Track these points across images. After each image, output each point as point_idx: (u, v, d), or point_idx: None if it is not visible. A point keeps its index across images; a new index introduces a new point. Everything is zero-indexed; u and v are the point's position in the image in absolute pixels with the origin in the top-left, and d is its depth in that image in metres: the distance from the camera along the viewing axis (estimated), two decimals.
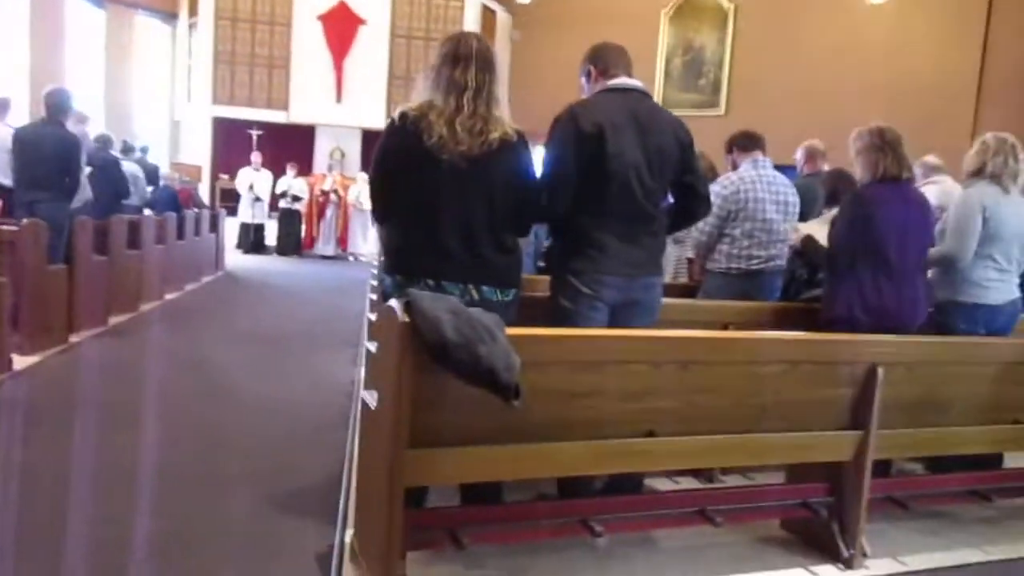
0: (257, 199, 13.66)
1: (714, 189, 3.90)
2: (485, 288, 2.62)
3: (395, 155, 2.63)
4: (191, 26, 18.03)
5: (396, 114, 2.65)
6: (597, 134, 2.76)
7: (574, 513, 2.66)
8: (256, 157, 13.95)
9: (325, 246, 14.15)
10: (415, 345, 2.12)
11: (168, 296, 8.50)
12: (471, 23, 18.63)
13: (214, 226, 10.87)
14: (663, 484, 3.54)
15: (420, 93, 2.66)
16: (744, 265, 4.06)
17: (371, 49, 18.14)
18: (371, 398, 2.43)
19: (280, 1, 17.69)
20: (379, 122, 18.37)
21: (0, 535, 2.76)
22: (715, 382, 2.63)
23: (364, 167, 17.36)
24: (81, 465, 3.57)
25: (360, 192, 14.04)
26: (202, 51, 17.65)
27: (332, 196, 14.01)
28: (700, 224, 3.79)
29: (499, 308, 2.52)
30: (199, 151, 17.83)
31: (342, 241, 14.30)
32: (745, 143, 4.24)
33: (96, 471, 3.50)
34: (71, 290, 6.04)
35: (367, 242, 14.48)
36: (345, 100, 18.03)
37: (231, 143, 17.69)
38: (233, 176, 15.62)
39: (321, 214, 14.14)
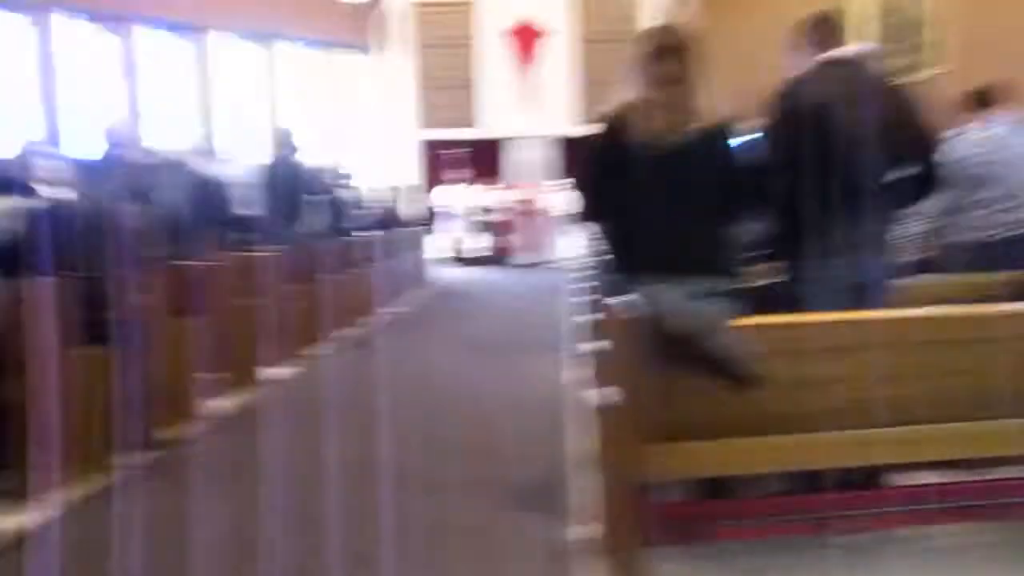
0: (458, 214, 14.30)
1: (949, 154, 3.59)
2: (704, 280, 2.59)
3: (601, 155, 2.67)
4: (391, 56, 19.23)
5: (598, 114, 2.68)
6: (817, 111, 2.65)
7: (822, 509, 2.55)
8: (456, 173, 14.62)
9: (525, 254, 14.54)
10: (651, 340, 2.14)
11: (391, 310, 9.11)
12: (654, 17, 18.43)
13: (421, 243, 11.52)
14: (908, 478, 3.30)
15: (621, 91, 2.68)
16: (988, 235, 3.70)
17: (556, 58, 18.41)
18: (605, 395, 2.47)
19: (466, 23, 18.44)
20: (568, 130, 18.66)
21: (266, 526, 3.07)
22: (970, 363, 2.42)
23: (557, 175, 17.68)
24: (325, 466, 3.88)
25: (555, 199, 14.30)
26: (405, 78, 18.77)
27: (529, 205, 14.38)
28: (936, 195, 3.51)
29: (720, 299, 2.48)
30: (407, 172, 18.97)
31: (540, 248, 14.62)
32: (982, 98, 3.88)
33: (338, 472, 3.79)
34: (311, 307, 6.66)
35: (563, 248, 14.71)
36: (534, 110, 18.45)
37: (434, 163, 18.66)
38: (438, 194, 16.49)
39: (519, 224, 14.54)
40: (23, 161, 4.13)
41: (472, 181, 14.78)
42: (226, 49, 17.80)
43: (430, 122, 18.71)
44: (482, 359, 6.60)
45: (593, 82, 18.56)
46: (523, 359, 6.54)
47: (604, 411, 2.47)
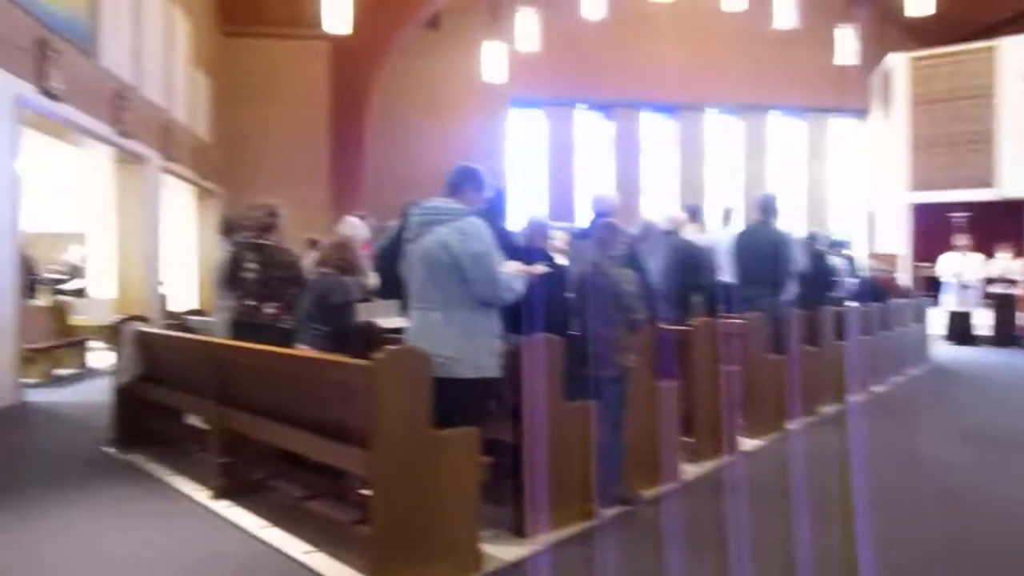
0: (964, 286, 12.53)
1: None
2: None
3: None
4: (884, 117, 18.00)
5: None
6: None
7: None
8: (961, 240, 12.88)
9: None
10: None
11: (873, 388, 8.31)
12: None
13: (920, 316, 10.33)
14: None
15: None
16: None
17: None
18: None
19: (981, 72, 16.34)
20: None
21: None
22: None
23: None
24: (798, 546, 3.63)
25: None
26: (897, 139, 17.40)
27: None
28: None
29: None
30: (896, 239, 17.43)
31: None
32: None
33: (811, 554, 3.51)
34: (782, 379, 6.39)
35: None
36: None
37: (929, 228, 16.79)
38: (933, 262, 14.75)
39: None
40: (528, 232, 4.74)
41: (987, 248, 12.84)
42: (715, 124, 18.66)
43: (928, 184, 16.93)
44: (995, 453, 5.57)
45: None
46: None
47: None
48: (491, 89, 16.61)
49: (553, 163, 18.34)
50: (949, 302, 12.83)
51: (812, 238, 8.14)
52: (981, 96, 16.37)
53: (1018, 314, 12.42)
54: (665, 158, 18.60)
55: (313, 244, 7.03)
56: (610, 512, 4.17)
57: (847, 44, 18.89)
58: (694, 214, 7.08)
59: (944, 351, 11.82)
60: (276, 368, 4.11)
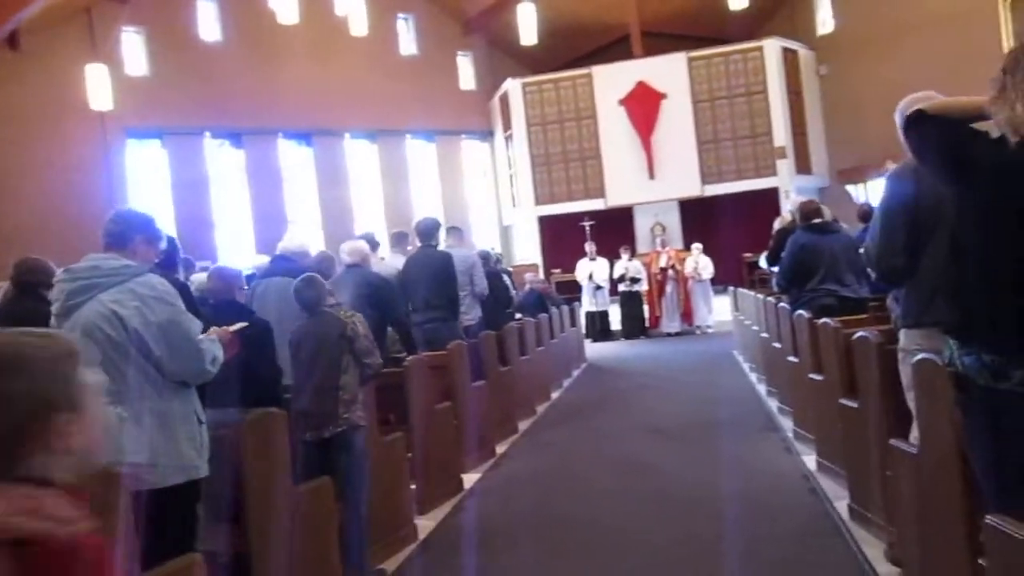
0: (598, 287, 13.84)
1: None
2: None
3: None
4: (507, 138, 19.38)
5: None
6: None
7: None
8: (591, 247, 14.23)
9: (670, 323, 13.87)
10: None
11: (554, 395, 8.65)
12: (773, 68, 17.87)
13: (573, 320, 11.09)
14: None
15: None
16: None
17: (675, 120, 18.07)
18: (1015, 528, 1.86)
19: (582, 96, 18.40)
20: (694, 190, 18.15)
21: None
22: None
23: (686, 239, 17.07)
24: None
25: (697, 263, 13.67)
26: (520, 158, 18.84)
27: (670, 272, 13.77)
28: None
29: None
30: (530, 249, 18.84)
31: (686, 316, 13.93)
32: None
33: None
34: (488, 404, 6.25)
35: (712, 313, 13.98)
36: (658, 175, 18.05)
37: (557, 237, 18.46)
38: (567, 269, 16.17)
39: (661, 292, 13.94)
40: (216, 284, 3.95)
41: (606, 252, 14.32)
42: (353, 149, 18.40)
43: (551, 198, 18.61)
44: (681, 444, 5.99)
45: (712, 141, 18.13)
46: (734, 443, 5.85)
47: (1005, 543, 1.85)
48: (98, 118, 14.44)
49: (257, 194, 16.61)
50: (587, 303, 14.07)
51: (486, 257, 8.20)
52: (585, 118, 18.43)
53: (643, 307, 14.04)
54: (304, 185, 17.86)
55: None
56: None
57: (467, 70, 20.08)
58: (373, 243, 6.62)
59: (590, 348, 12.90)
60: None
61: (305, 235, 5.04)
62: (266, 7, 14.13)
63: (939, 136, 2.19)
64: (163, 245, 3.10)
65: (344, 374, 3.66)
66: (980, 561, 2.30)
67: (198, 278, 4.76)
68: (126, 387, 2.74)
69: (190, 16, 15.37)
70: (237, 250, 15.32)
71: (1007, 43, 14.93)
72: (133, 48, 14.83)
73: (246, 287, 4.06)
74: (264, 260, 5.87)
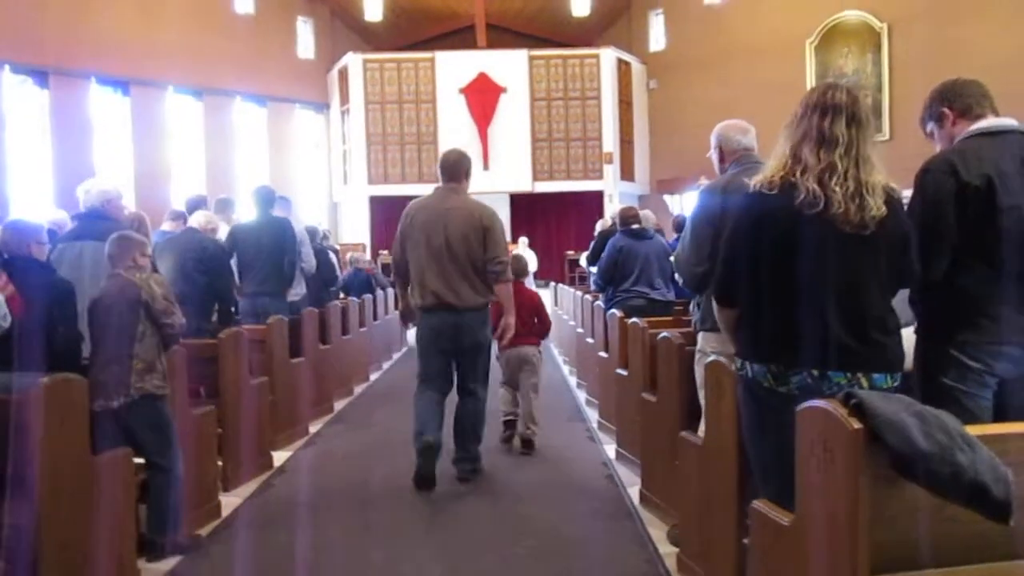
0: None
1: None
2: (876, 376, 2.30)
3: (756, 226, 2.36)
4: (343, 113, 18.94)
5: (753, 183, 2.39)
6: (983, 186, 2.43)
7: None
8: None
9: None
10: (874, 456, 1.84)
11: (372, 376, 8.63)
12: (607, 77, 18.70)
13: (397, 303, 11.06)
14: None
15: (776, 154, 2.40)
16: None
17: (513, 115, 18.47)
18: (775, 513, 2.15)
19: (424, 79, 18.35)
20: (525, 186, 18.67)
21: None
22: None
23: (513, 232, 17.50)
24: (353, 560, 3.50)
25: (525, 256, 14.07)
26: (355, 135, 18.49)
27: None
28: None
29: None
30: (359, 229, 18.55)
31: None
32: None
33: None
34: (305, 382, 6.16)
35: None
36: (492, 167, 18.36)
37: (387, 220, 18.32)
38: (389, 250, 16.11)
39: None
40: (7, 238, 3.61)
41: None
42: (174, 104, 17.23)
43: (384, 178, 18.44)
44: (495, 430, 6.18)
45: (546, 140, 18.72)
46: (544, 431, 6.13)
47: (777, 531, 2.13)
48: None
49: (61, 141, 14.84)
50: None
51: (313, 233, 8.01)
52: (425, 101, 18.38)
53: None
54: (117, 137, 16.50)
55: None
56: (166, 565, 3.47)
57: (307, 38, 19.38)
58: (197, 207, 6.28)
59: (411, 332, 12.93)
60: None
61: (111, 184, 4.59)
62: None
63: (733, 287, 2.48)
64: None
65: (138, 342, 3.48)
66: (744, 541, 2.60)
67: None
68: None
69: None
70: (32, 204, 13.91)
71: (810, 79, 16.58)
72: None
73: (47, 243, 3.72)
74: (62, 217, 5.38)
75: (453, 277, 4.59)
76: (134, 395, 3.47)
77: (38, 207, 13.34)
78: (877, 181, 2.31)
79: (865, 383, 2.30)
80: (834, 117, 2.31)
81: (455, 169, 4.85)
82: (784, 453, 2.14)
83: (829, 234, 2.26)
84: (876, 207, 2.27)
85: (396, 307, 11.14)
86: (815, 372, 2.30)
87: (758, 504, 2.24)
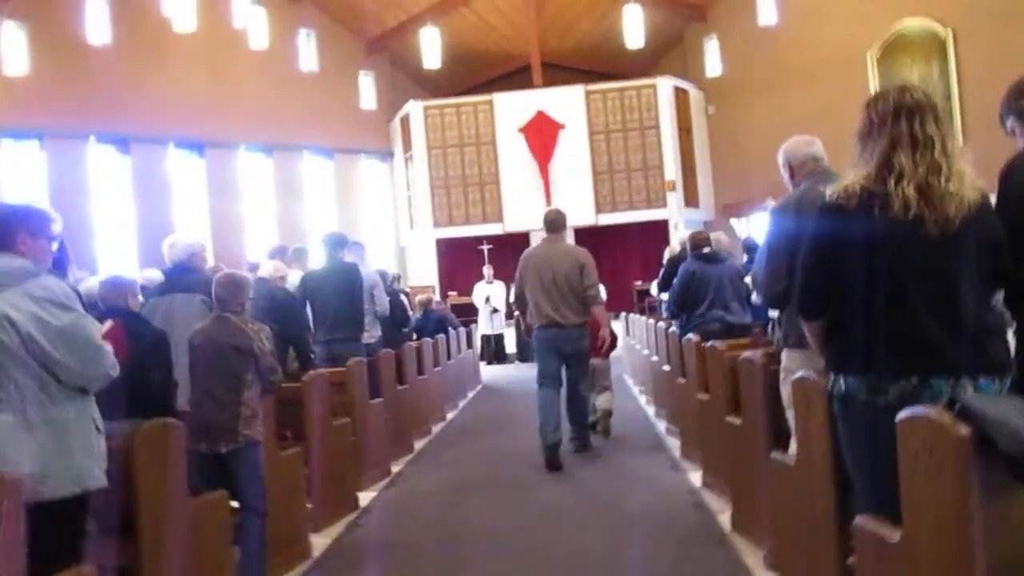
0: (495, 310, 13.99)
1: None
2: (982, 381, 2.21)
3: (837, 236, 2.31)
4: (407, 159, 19.38)
5: (829, 193, 2.35)
6: None
7: None
8: (488, 270, 14.38)
9: None
10: (985, 463, 1.77)
11: (449, 415, 8.68)
12: (665, 105, 18.67)
13: (470, 342, 11.17)
14: None
15: (858, 163, 2.35)
16: None
17: (573, 150, 18.57)
18: (883, 529, 2.07)
19: (483, 122, 18.65)
20: (588, 219, 18.66)
21: None
22: None
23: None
24: None
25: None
26: (419, 180, 18.87)
27: None
28: None
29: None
30: (427, 271, 18.82)
31: None
32: None
33: None
34: (385, 422, 6.23)
35: None
36: (554, 203, 18.44)
37: (454, 261, 18.57)
38: (462, 292, 16.27)
39: None
40: (107, 292, 3.81)
41: (503, 276, 14.50)
42: (246, 162, 17.92)
43: (449, 221, 18.72)
44: (578, 460, 6.13)
45: (606, 172, 18.75)
46: (626, 459, 6.06)
47: (882, 549, 2.05)
48: None
49: (143, 203, 15.73)
50: (483, 326, 14.19)
51: (384, 276, 8.19)
52: (485, 143, 18.68)
53: None
54: (194, 196, 17.23)
55: None
56: None
57: (369, 89, 19.99)
58: (283, 254, 6.53)
59: (485, 371, 13.00)
60: None
61: (195, 238, 4.80)
62: (160, 15, 13.73)
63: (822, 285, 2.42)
64: (56, 229, 2.92)
65: (248, 389, 3.60)
66: (848, 561, 2.51)
67: (86, 284, 4.56)
68: (16, 393, 2.63)
69: (77, 16, 14.67)
70: (119, 261, 14.61)
71: (874, 91, 16.19)
72: (13, 44, 13.99)
73: (140, 297, 3.91)
74: (154, 274, 5.63)
75: (559, 303, 6.07)
76: (241, 442, 3.58)
77: (124, 264, 13.98)
78: (970, 177, 2.25)
79: (970, 389, 2.20)
80: (922, 118, 2.26)
81: (555, 224, 6.60)
82: (887, 467, 2.08)
83: (916, 237, 2.21)
84: (971, 202, 2.21)
85: (468, 346, 11.26)
86: (914, 380, 2.22)
87: (863, 520, 2.16)
